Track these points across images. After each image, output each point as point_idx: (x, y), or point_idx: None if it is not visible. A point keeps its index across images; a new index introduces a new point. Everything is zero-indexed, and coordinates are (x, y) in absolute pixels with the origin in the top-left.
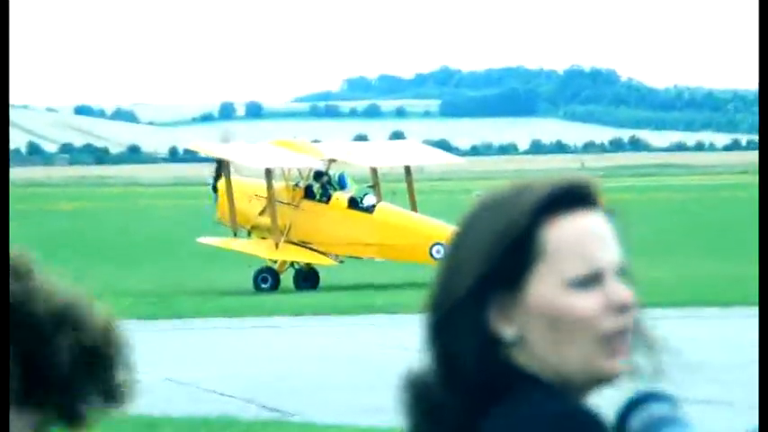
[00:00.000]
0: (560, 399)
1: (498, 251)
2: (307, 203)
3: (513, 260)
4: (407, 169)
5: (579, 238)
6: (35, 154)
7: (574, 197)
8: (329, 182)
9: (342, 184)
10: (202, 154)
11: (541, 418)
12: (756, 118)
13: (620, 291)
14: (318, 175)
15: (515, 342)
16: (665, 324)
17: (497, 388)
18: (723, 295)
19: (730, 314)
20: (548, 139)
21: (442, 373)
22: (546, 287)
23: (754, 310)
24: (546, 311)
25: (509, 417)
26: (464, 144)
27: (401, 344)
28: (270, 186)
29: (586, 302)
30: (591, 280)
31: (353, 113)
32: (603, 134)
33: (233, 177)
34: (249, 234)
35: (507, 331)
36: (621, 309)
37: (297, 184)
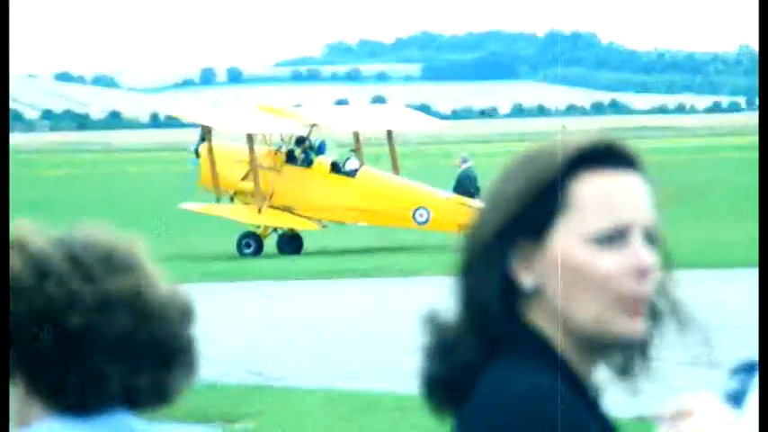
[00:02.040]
0: (542, 371)
1: (526, 199)
2: (289, 168)
3: (540, 209)
4: (389, 133)
5: (607, 194)
6: (16, 120)
7: (607, 155)
8: (311, 147)
9: (320, 150)
10: (184, 120)
11: (505, 394)
12: (737, 80)
13: (643, 254)
14: (300, 141)
15: (533, 292)
16: None
17: (507, 338)
18: (704, 258)
19: (712, 277)
20: (529, 102)
21: (462, 317)
22: (568, 240)
23: (733, 273)
24: (566, 264)
25: (492, 382)
26: (445, 108)
27: (385, 308)
28: (252, 151)
29: (607, 260)
30: (615, 237)
31: (335, 78)
32: (585, 97)
33: (214, 143)
34: (232, 199)
35: (527, 280)
36: (643, 273)
37: (279, 149)
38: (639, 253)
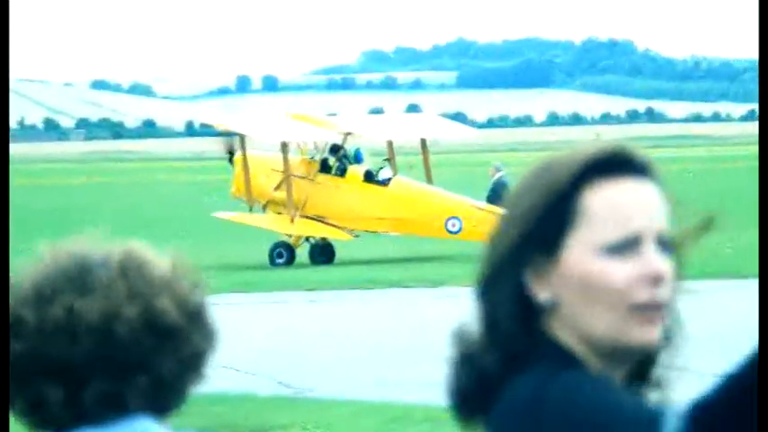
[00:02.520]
0: (575, 377)
1: (537, 213)
2: (322, 177)
3: (551, 223)
4: (423, 142)
5: (617, 203)
6: (52, 129)
7: (618, 164)
8: (345, 155)
9: (357, 159)
10: (218, 128)
11: (527, 394)
12: None
13: (656, 261)
14: (334, 149)
15: (549, 307)
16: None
17: (529, 353)
18: (740, 267)
19: (743, 285)
20: (564, 110)
21: (484, 332)
22: (581, 252)
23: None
24: (579, 277)
25: (519, 391)
26: (480, 116)
27: (418, 318)
28: (286, 160)
29: (620, 270)
30: (626, 246)
31: (370, 86)
32: (620, 105)
33: (248, 151)
34: (265, 208)
35: (542, 295)
36: (656, 280)
37: (313, 158)
38: (652, 260)
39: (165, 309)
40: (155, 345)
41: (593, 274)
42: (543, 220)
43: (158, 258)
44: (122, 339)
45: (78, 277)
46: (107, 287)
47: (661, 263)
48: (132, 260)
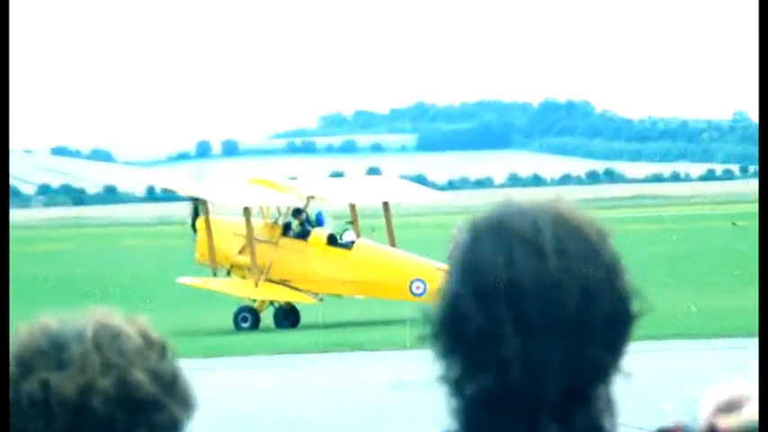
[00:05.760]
0: None
1: None
2: (286, 241)
3: None
4: (386, 205)
5: None
6: (13, 196)
7: None
8: (307, 219)
9: (319, 222)
10: (180, 193)
11: None
12: (731, 147)
13: None
14: (297, 213)
15: None
16: (637, 356)
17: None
18: (699, 327)
19: (706, 346)
20: (524, 171)
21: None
22: None
23: (731, 342)
24: None
25: None
26: (441, 178)
27: (384, 381)
28: (248, 224)
29: None
30: None
31: (329, 149)
32: (579, 166)
33: (211, 216)
34: (228, 273)
35: None
36: None
37: (275, 222)
38: None
39: (139, 380)
40: (129, 417)
41: None
42: None
43: (129, 328)
44: (98, 413)
45: (53, 352)
46: (82, 361)
47: None
48: (106, 332)
